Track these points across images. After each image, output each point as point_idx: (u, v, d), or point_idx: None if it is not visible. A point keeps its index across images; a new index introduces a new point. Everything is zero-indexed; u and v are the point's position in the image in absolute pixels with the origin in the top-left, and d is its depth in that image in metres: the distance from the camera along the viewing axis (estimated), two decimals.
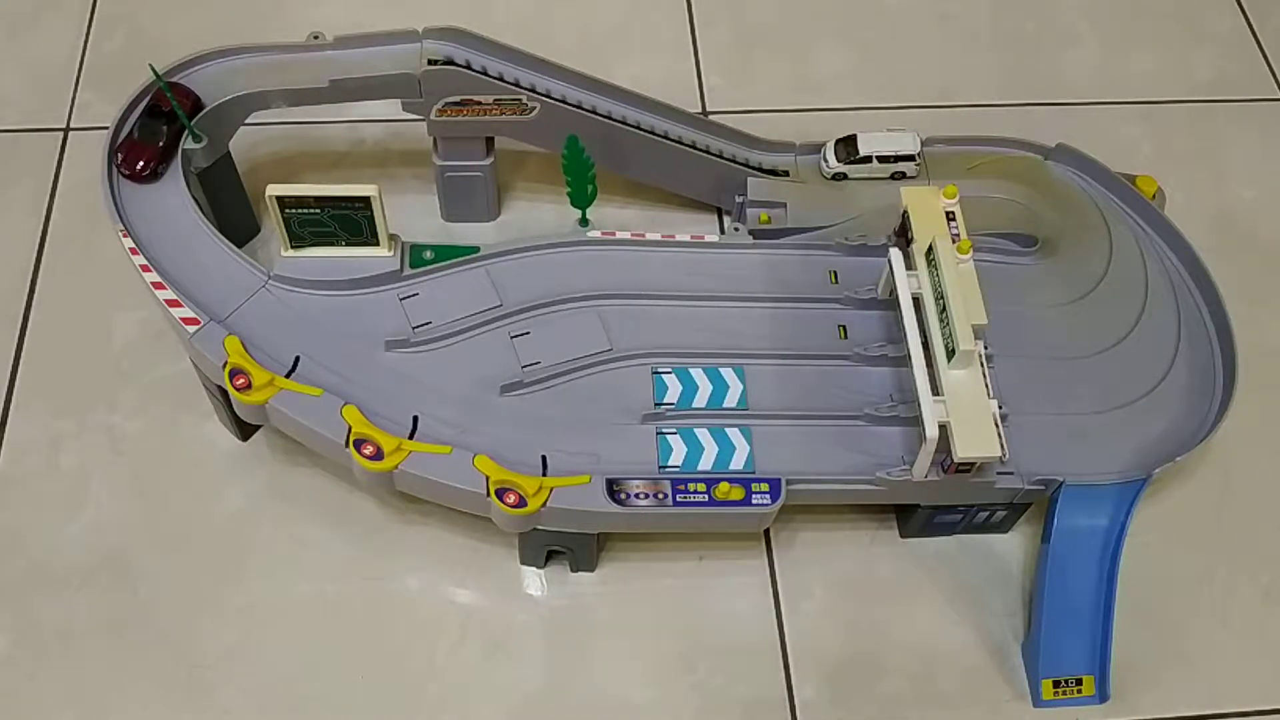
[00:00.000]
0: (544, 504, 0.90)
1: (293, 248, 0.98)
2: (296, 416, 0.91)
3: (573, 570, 1.02)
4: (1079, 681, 0.96)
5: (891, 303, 1.01)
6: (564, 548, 0.98)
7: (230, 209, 1.11)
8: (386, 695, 0.97)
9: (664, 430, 0.96)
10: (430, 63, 1.03)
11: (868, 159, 1.09)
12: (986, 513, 1.01)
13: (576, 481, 0.91)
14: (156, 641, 0.98)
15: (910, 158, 1.10)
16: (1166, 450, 0.99)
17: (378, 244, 0.99)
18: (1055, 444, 0.98)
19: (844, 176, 1.11)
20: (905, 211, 1.00)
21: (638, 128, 1.08)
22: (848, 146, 1.10)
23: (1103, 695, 0.96)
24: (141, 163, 0.99)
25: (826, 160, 1.11)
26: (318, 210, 0.95)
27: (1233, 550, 1.07)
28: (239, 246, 0.99)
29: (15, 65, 1.29)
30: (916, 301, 0.96)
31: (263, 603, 1.00)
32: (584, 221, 1.11)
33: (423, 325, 0.98)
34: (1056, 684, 0.97)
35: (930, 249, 0.96)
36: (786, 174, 1.13)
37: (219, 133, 1.05)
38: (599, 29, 1.36)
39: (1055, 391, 1.01)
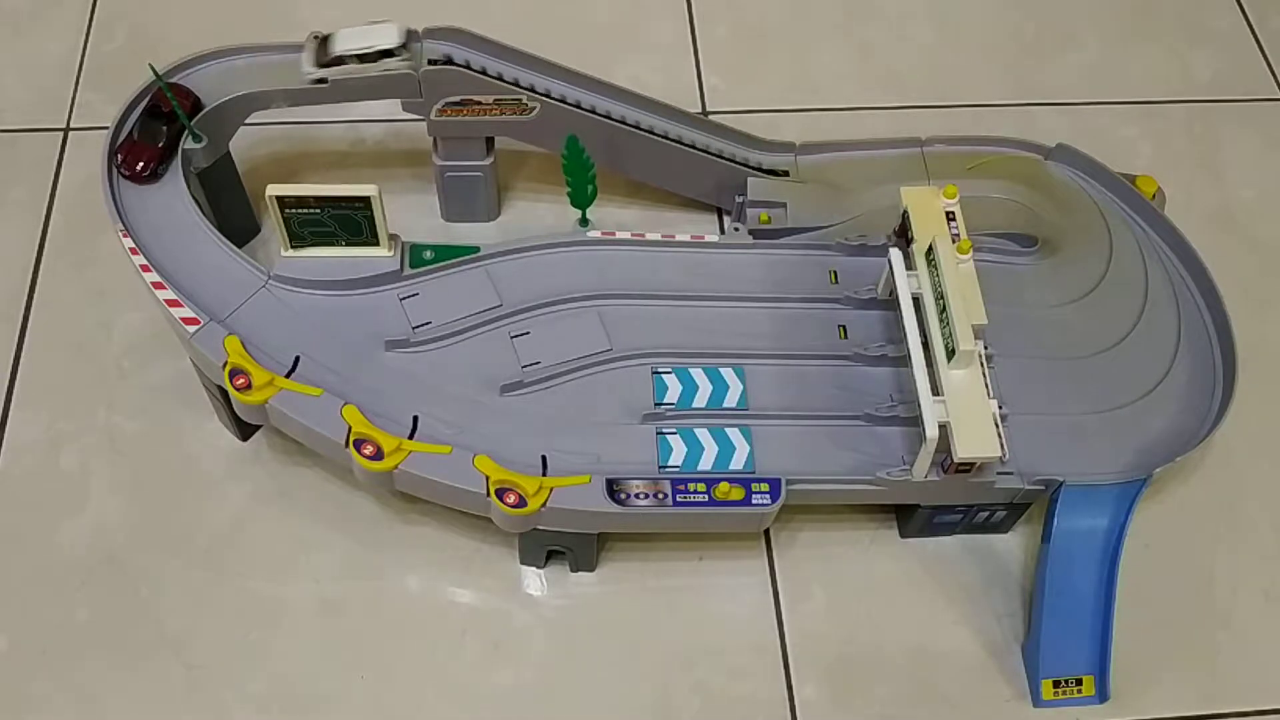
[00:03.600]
0: (544, 504, 0.90)
1: (293, 248, 0.98)
2: (296, 416, 0.91)
3: (573, 570, 1.02)
4: (1079, 681, 0.96)
5: (891, 303, 1.01)
6: (564, 548, 0.98)
7: (230, 209, 1.11)
8: (386, 695, 0.97)
9: (664, 430, 0.96)
10: (430, 63, 1.03)
11: (342, 60, 1.00)
12: (986, 513, 1.01)
13: (576, 481, 0.91)
14: (156, 641, 0.98)
15: (390, 52, 1.00)
16: (1166, 450, 0.99)
17: (378, 244, 0.99)
18: (1055, 444, 0.98)
19: (324, 81, 1.01)
20: (905, 211, 1.00)
21: (638, 128, 1.08)
22: (325, 47, 1.00)
23: (1103, 695, 0.96)
24: (141, 163, 0.99)
25: (304, 68, 1.01)
26: (318, 210, 0.95)
27: (1233, 550, 1.07)
28: (239, 246, 0.99)
29: (15, 65, 1.29)
30: (916, 301, 0.96)
31: (263, 603, 1.00)
32: (584, 221, 1.11)
33: (423, 325, 0.98)
34: (1056, 684, 0.97)
35: (930, 249, 0.96)
36: (786, 174, 1.13)
37: (219, 133, 1.05)
38: (599, 29, 1.36)
39: (1055, 391, 1.01)
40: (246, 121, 1.06)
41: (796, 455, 0.96)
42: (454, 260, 1.02)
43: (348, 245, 0.99)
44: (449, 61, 1.04)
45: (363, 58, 1.01)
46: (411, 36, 1.04)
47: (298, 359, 0.95)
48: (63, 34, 1.32)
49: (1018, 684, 0.99)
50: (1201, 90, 1.37)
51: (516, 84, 1.05)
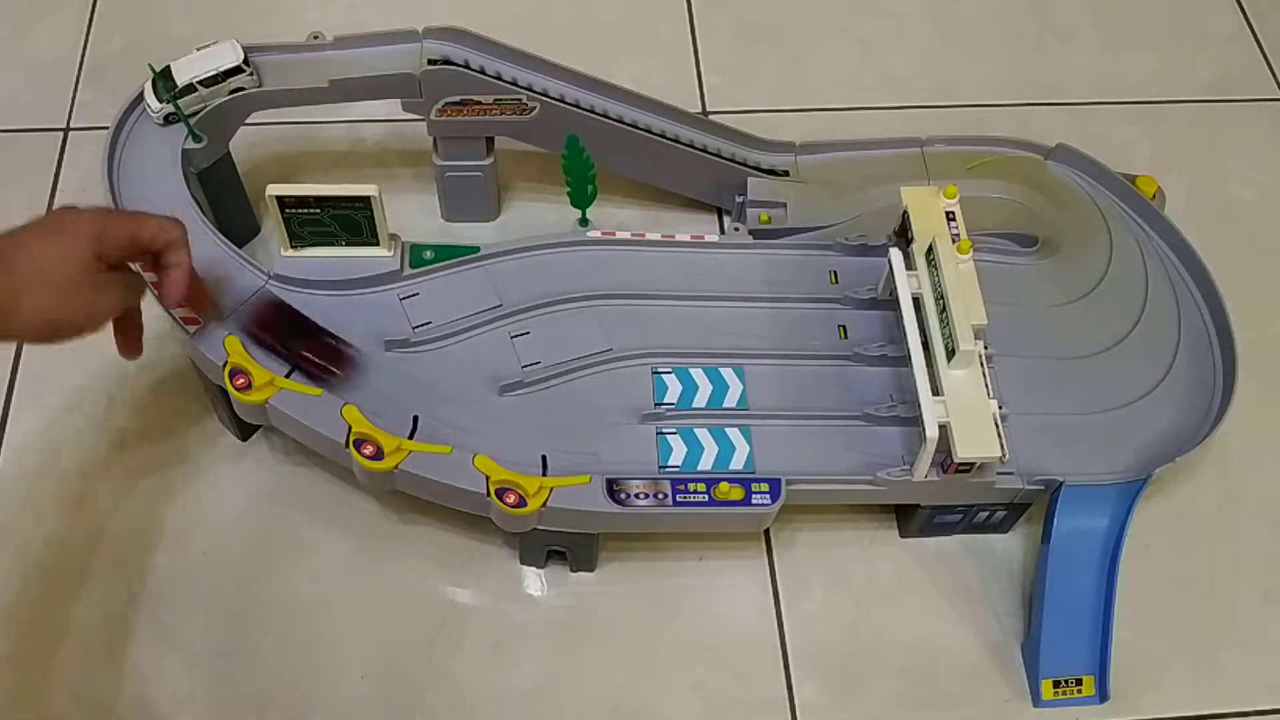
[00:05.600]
0: (544, 504, 0.90)
1: (293, 248, 0.99)
2: (296, 416, 0.91)
3: (573, 570, 1.02)
4: (1079, 681, 0.96)
5: (891, 303, 1.01)
6: (564, 548, 0.98)
7: (230, 209, 1.11)
8: (386, 695, 0.97)
9: (664, 430, 0.96)
10: (430, 63, 1.03)
11: (191, 88, 1.00)
12: (986, 513, 1.01)
13: (576, 481, 0.91)
14: (157, 641, 0.98)
15: (238, 70, 1.00)
16: (1166, 450, 0.99)
17: (378, 244, 0.99)
18: (1055, 444, 0.98)
19: (177, 116, 1.00)
20: (905, 211, 1.00)
21: (637, 128, 1.08)
22: (167, 82, 0.99)
23: (1103, 695, 0.96)
24: (336, 364, 0.95)
25: (149, 106, 1.00)
26: (318, 210, 0.95)
27: (1233, 550, 1.07)
28: (239, 246, 0.99)
29: (15, 65, 1.29)
30: (916, 301, 0.96)
31: (263, 602, 1.00)
32: (584, 221, 1.11)
33: (423, 325, 0.98)
34: (1056, 684, 0.97)
35: (930, 249, 0.96)
36: (786, 174, 1.13)
37: (219, 133, 1.05)
38: (599, 29, 1.36)
39: (1055, 391, 1.01)
40: (246, 121, 1.06)
41: (796, 455, 0.96)
42: (454, 260, 1.02)
43: (348, 245, 0.99)
44: (449, 61, 1.04)
45: (208, 82, 1.00)
46: (411, 36, 1.04)
47: None
48: (63, 34, 1.32)
49: (1018, 684, 0.99)
50: (1201, 90, 1.37)
51: (516, 84, 1.05)
